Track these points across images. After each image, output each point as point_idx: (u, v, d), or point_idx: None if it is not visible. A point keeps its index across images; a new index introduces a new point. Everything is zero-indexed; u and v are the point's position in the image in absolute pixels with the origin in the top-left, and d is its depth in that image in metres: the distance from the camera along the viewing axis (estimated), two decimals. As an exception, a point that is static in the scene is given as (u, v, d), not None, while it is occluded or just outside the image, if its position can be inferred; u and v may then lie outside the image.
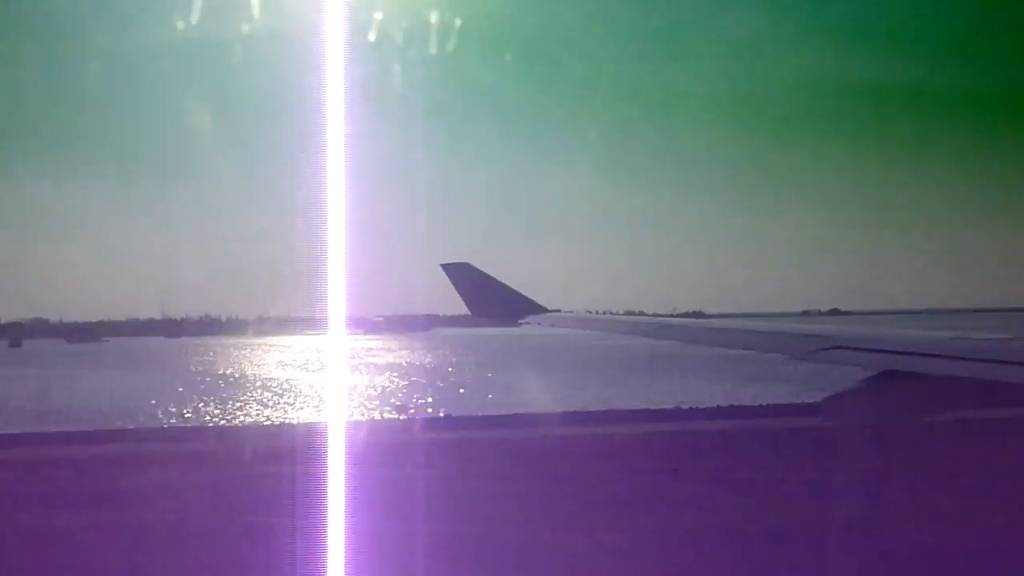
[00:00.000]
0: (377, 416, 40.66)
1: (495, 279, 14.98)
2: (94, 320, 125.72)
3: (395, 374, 68.68)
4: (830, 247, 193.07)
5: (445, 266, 15.19)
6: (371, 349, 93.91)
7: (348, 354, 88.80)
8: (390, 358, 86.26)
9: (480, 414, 34.45)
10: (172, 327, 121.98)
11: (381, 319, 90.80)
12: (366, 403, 46.69)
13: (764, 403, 30.37)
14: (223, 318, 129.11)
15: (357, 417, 34.28)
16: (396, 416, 39.71)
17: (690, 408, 30.86)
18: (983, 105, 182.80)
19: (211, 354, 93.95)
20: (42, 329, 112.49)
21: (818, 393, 10.68)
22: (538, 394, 45.95)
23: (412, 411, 43.20)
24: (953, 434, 13.54)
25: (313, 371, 70.06)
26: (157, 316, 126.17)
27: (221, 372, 70.22)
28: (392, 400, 48.65)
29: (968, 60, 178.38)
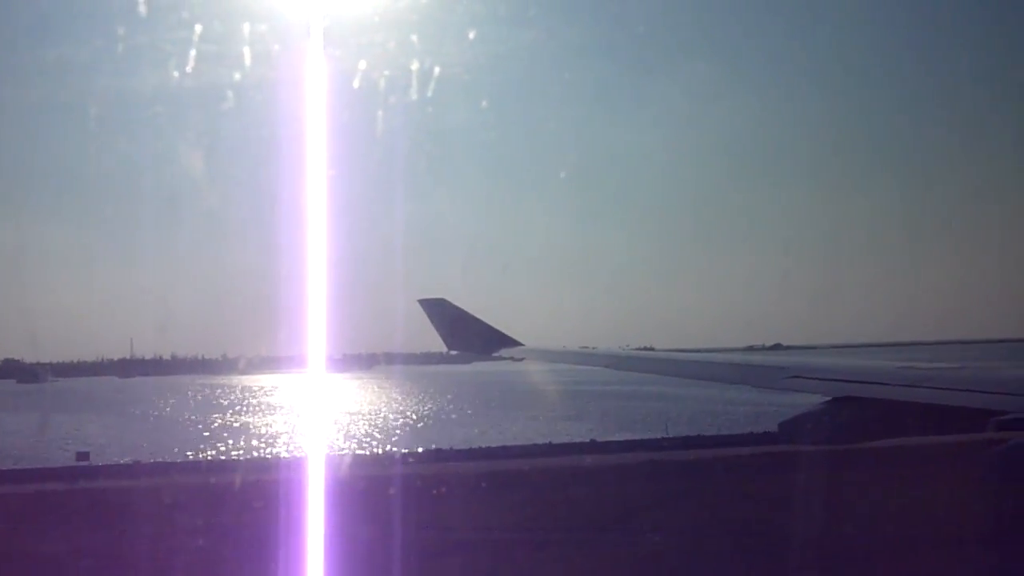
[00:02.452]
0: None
1: (470, 314, 15.64)
2: (68, 360, 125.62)
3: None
4: (772, 285, 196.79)
5: (422, 301, 15.83)
6: (267, 388, 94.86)
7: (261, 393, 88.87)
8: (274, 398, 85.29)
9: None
10: (126, 367, 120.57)
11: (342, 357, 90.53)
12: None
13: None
14: (191, 357, 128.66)
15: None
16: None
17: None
18: (916, 145, 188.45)
19: (134, 394, 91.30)
20: (9, 369, 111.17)
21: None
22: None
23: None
24: (894, 457, 13.99)
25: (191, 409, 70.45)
26: (127, 355, 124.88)
27: (122, 412, 67.79)
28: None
29: (908, 101, 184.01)
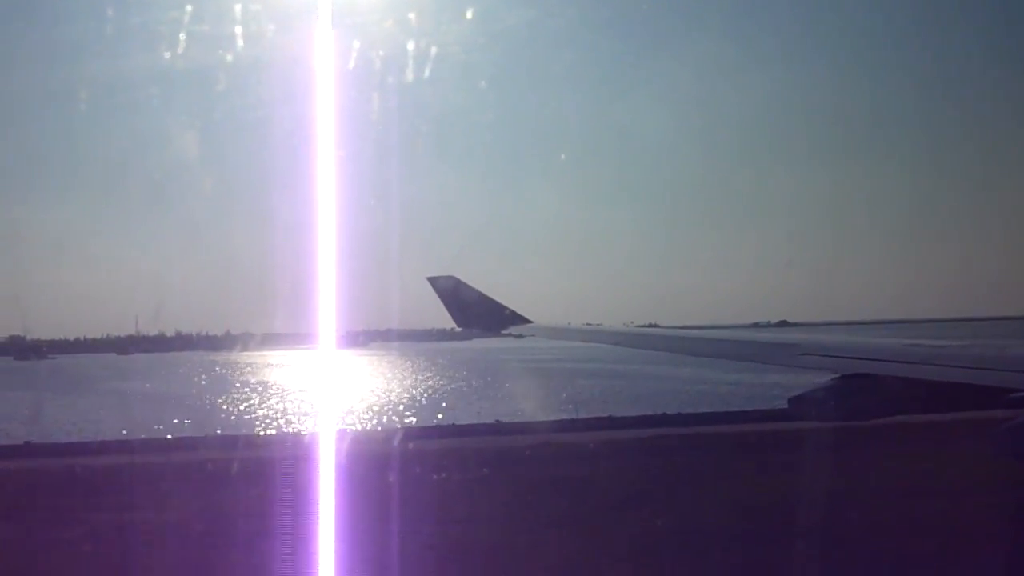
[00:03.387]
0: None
1: (480, 292, 15.67)
2: (73, 338, 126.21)
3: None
4: (776, 262, 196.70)
5: (432, 279, 15.86)
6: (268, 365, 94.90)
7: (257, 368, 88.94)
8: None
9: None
10: (126, 344, 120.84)
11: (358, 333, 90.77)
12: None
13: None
14: (195, 334, 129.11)
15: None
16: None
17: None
18: (925, 125, 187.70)
19: (128, 371, 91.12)
20: (13, 346, 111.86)
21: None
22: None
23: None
24: (901, 432, 14.02)
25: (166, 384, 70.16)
26: (133, 333, 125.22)
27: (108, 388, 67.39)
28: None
29: (912, 82, 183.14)
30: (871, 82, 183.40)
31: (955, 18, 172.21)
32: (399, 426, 38.12)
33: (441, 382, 69.56)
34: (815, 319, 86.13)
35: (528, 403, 45.94)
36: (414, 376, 78.97)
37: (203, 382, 76.41)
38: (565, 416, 29.70)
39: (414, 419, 42.22)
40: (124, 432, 30.54)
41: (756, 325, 70.12)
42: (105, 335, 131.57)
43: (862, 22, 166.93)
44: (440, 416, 41.37)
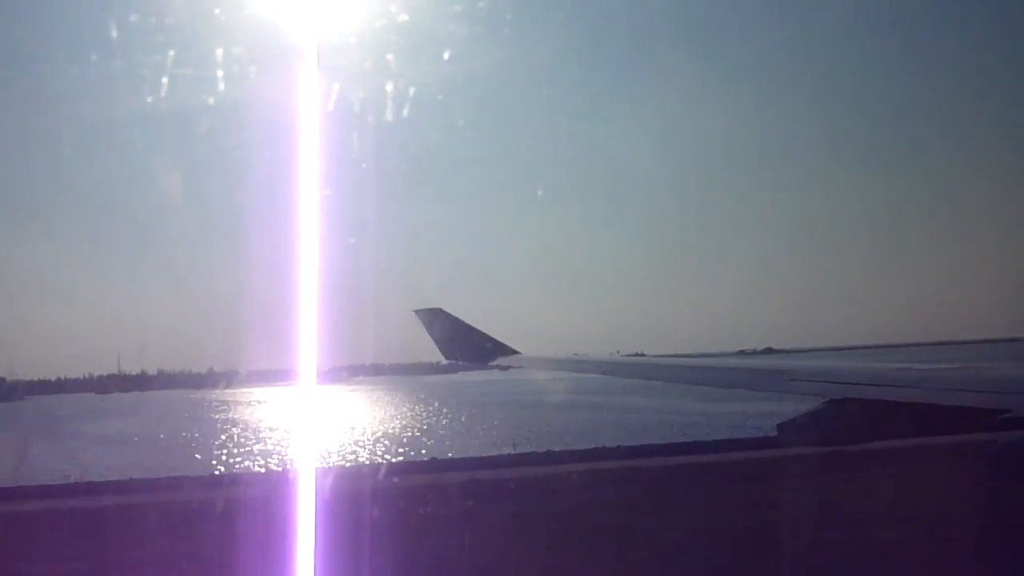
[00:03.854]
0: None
1: (467, 323, 15.64)
2: (55, 377, 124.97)
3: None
4: (760, 289, 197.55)
5: (419, 312, 15.82)
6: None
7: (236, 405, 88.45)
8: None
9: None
10: (106, 384, 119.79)
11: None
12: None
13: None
14: (178, 372, 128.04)
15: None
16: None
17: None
18: (907, 148, 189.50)
19: (99, 412, 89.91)
20: None
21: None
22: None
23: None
24: (898, 456, 14.09)
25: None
26: (115, 371, 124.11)
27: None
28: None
29: (898, 104, 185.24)
30: (854, 106, 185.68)
31: (936, 40, 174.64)
32: (366, 462, 38.06)
33: (424, 416, 69.47)
34: (800, 345, 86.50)
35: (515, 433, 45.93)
36: (397, 410, 78.78)
37: (174, 421, 75.24)
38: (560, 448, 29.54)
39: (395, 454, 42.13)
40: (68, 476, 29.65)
41: (742, 352, 70.24)
42: (87, 375, 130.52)
43: (841, 47, 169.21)
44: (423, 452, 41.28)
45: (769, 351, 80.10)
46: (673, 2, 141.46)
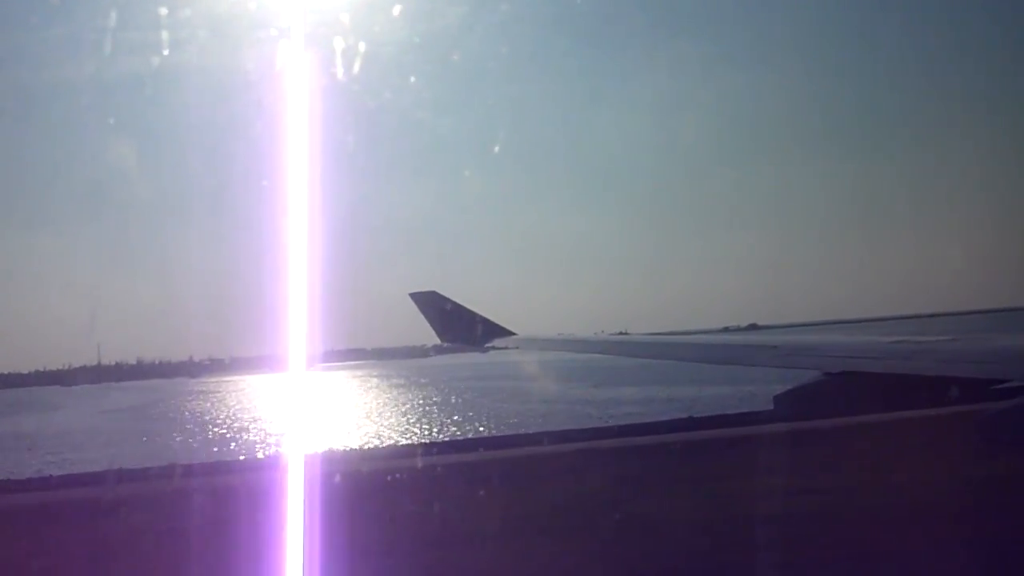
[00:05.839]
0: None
1: (462, 306, 15.76)
2: (36, 369, 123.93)
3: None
4: (742, 266, 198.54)
5: (414, 295, 15.93)
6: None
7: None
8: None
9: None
10: (75, 376, 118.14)
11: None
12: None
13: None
14: (161, 360, 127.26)
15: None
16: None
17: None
18: (887, 126, 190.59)
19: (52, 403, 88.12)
20: None
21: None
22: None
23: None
24: (896, 429, 14.17)
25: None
26: (96, 362, 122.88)
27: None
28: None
29: (878, 83, 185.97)
30: (838, 84, 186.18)
31: (929, 19, 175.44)
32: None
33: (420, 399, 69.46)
34: (782, 321, 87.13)
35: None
36: (383, 395, 78.81)
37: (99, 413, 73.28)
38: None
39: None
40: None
41: (727, 329, 70.69)
42: (67, 365, 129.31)
43: (830, 25, 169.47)
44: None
45: (753, 327, 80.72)
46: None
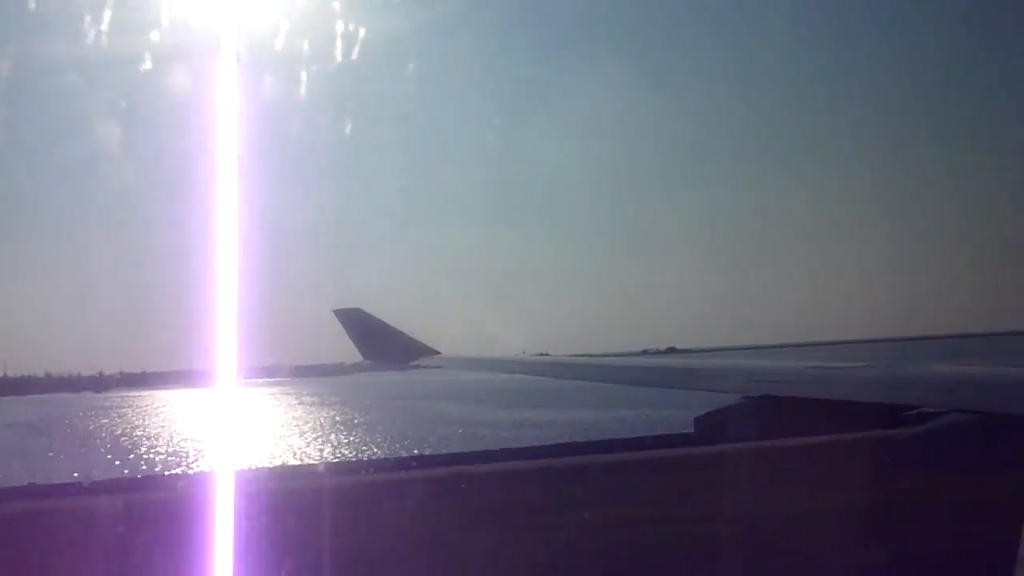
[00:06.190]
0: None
1: (386, 324, 15.67)
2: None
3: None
4: (661, 290, 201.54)
5: (338, 312, 15.77)
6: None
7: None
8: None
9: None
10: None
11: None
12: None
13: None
14: (71, 374, 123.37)
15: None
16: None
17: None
18: (807, 145, 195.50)
19: None
20: None
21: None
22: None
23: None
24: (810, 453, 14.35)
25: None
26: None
27: None
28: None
29: (800, 104, 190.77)
30: (759, 111, 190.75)
31: (854, 34, 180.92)
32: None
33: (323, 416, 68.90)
34: (700, 345, 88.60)
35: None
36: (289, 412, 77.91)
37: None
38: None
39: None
40: None
41: (645, 352, 71.56)
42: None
43: (749, 54, 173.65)
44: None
45: (672, 350, 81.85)
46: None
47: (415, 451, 35.79)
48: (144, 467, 40.94)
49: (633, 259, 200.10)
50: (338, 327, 15.42)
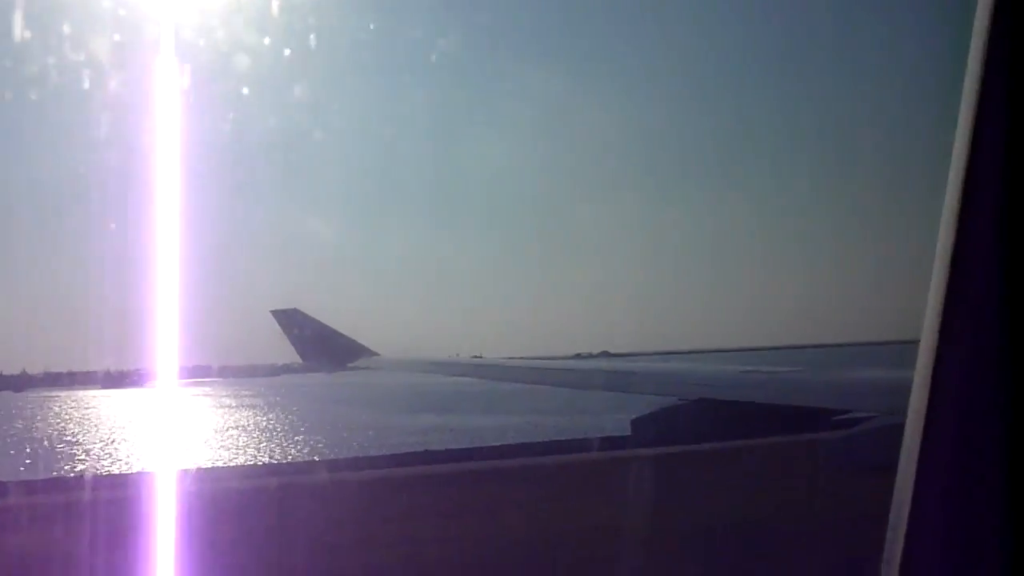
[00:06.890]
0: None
1: (325, 325, 15.56)
2: None
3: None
4: (593, 295, 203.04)
5: (275, 312, 15.62)
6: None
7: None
8: None
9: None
10: None
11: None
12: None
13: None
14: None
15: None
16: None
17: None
18: (752, 152, 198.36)
19: None
20: None
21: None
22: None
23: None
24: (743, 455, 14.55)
25: None
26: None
27: None
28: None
29: (733, 109, 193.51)
30: (696, 117, 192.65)
31: (802, 36, 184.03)
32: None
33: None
34: (632, 350, 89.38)
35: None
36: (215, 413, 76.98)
37: None
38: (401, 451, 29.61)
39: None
40: None
41: (579, 356, 72.07)
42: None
43: (688, 60, 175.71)
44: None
45: (605, 355, 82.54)
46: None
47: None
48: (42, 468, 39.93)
49: (571, 264, 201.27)
50: (275, 327, 15.29)
